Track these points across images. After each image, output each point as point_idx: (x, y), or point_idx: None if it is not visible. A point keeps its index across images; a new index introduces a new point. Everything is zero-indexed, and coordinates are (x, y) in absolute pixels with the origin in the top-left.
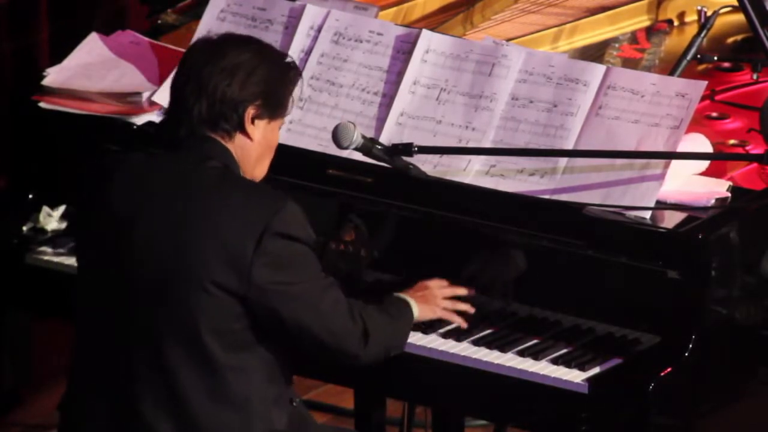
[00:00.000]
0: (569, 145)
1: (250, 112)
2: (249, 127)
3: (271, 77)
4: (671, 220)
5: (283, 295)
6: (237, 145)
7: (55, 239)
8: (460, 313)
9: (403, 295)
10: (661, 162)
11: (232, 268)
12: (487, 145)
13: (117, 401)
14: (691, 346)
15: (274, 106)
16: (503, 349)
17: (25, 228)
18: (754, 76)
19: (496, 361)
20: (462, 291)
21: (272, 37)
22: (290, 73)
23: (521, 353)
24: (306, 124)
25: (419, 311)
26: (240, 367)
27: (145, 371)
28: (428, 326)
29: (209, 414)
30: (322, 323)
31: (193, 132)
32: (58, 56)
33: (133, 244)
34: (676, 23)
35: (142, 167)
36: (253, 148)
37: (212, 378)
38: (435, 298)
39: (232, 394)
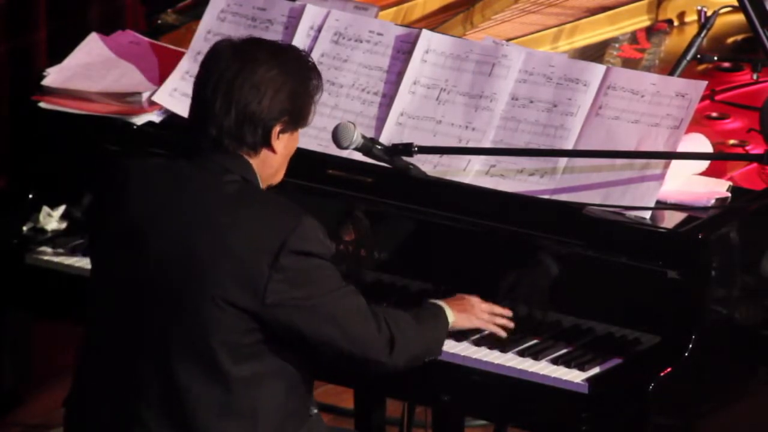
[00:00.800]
0: (569, 145)
1: (277, 128)
2: (275, 142)
3: (297, 92)
4: (671, 220)
5: (302, 310)
6: (260, 159)
7: (55, 239)
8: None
9: (438, 301)
10: (661, 162)
11: (247, 285)
12: (487, 145)
13: (121, 408)
14: (691, 346)
15: (299, 119)
16: (503, 349)
17: (25, 228)
18: (754, 76)
19: (496, 361)
20: (500, 309)
21: (272, 37)
22: (313, 82)
23: (521, 353)
24: None
25: (455, 318)
26: (251, 380)
27: (151, 380)
28: None
29: (215, 426)
30: (344, 334)
31: (217, 144)
32: (56, 56)
33: (146, 252)
34: (676, 23)
35: (161, 174)
36: (276, 160)
37: (221, 390)
38: (473, 308)
39: (241, 406)
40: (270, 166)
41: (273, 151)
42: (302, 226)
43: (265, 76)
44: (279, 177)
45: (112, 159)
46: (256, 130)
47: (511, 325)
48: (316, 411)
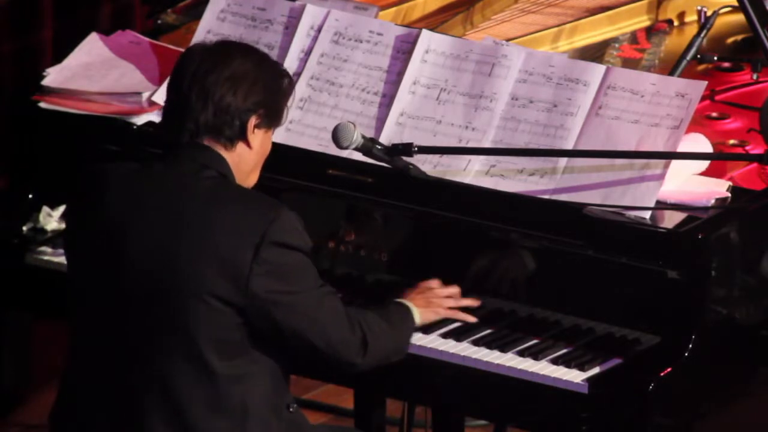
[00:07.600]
0: (569, 145)
1: (253, 121)
2: (250, 136)
3: (271, 87)
4: (671, 220)
5: (281, 305)
6: (236, 154)
7: (55, 239)
8: (465, 311)
9: (404, 301)
10: (661, 162)
11: (230, 279)
12: (487, 145)
13: (115, 411)
14: (691, 346)
15: (274, 116)
16: (503, 349)
17: (25, 228)
18: (754, 76)
19: (496, 361)
20: (457, 290)
21: (272, 37)
22: (286, 84)
23: (521, 353)
24: (306, 124)
25: (421, 316)
26: (239, 376)
27: (142, 381)
28: (428, 326)
29: (207, 423)
30: (320, 333)
31: (195, 139)
32: (61, 56)
33: (127, 256)
34: (676, 23)
35: (137, 175)
36: (251, 157)
37: (211, 387)
38: (438, 298)
39: (230, 402)
40: (246, 163)
41: (249, 145)
42: (281, 219)
43: (239, 70)
44: (254, 179)
45: (92, 162)
46: (233, 122)
47: (476, 303)
48: (296, 405)
